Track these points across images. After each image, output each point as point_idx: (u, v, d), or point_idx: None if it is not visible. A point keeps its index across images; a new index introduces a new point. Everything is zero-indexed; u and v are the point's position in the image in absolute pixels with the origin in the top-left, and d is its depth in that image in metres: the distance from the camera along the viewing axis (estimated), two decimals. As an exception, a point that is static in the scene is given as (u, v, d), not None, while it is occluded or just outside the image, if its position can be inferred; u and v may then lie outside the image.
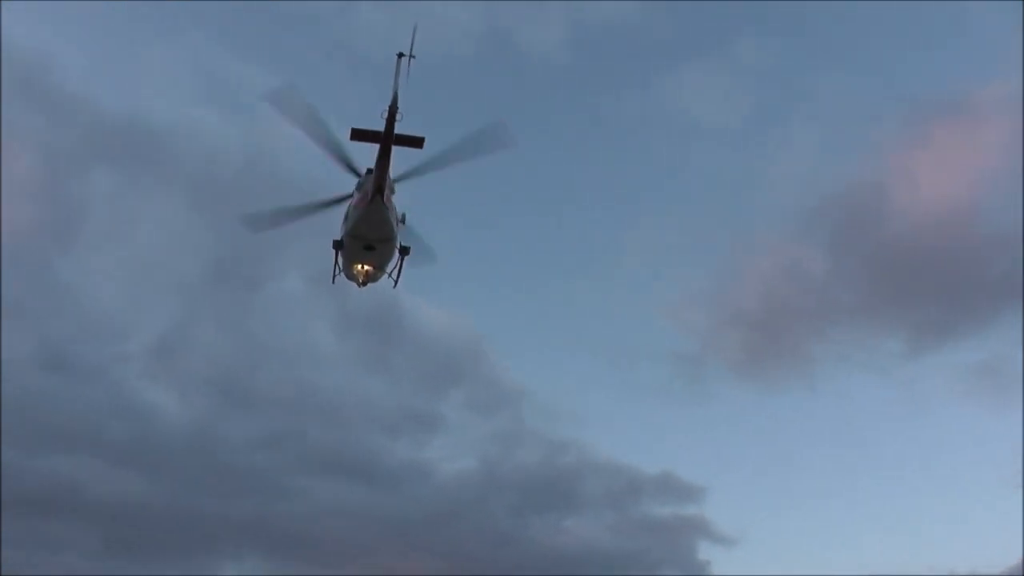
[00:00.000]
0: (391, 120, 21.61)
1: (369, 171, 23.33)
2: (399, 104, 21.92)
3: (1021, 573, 68.51)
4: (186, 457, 77.22)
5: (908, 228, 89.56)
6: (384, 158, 22.22)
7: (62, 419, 71.21)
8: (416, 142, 22.49)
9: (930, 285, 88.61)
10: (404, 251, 24.98)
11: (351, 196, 24.34)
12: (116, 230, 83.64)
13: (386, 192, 22.87)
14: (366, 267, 25.19)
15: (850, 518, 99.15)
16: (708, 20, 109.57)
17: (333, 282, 26.34)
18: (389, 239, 23.99)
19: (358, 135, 22.33)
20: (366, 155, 23.35)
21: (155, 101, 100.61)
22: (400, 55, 22.30)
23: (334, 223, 25.60)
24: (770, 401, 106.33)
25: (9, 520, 65.83)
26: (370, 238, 23.79)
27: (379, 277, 25.94)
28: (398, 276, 25.67)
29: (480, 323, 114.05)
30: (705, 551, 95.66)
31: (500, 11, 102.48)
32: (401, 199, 24.31)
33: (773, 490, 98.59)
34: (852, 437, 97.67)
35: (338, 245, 24.95)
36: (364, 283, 26.04)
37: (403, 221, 24.82)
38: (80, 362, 75.52)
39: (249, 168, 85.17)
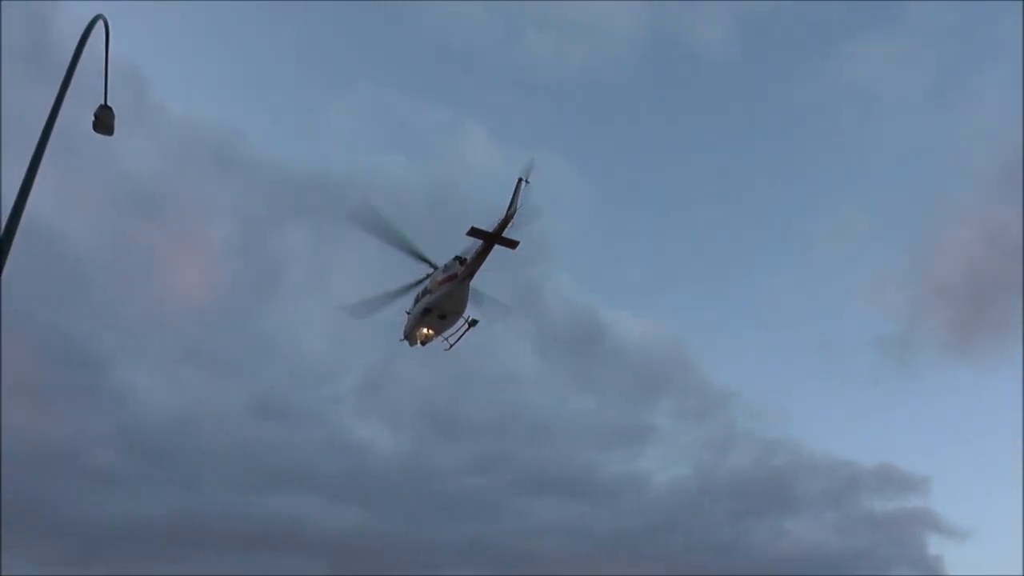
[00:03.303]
0: (503, 227, 25.82)
1: (457, 258, 27.84)
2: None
3: None
4: (402, 486, 79.17)
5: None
6: (485, 253, 26.65)
7: (282, 461, 74.53)
8: (512, 244, 26.44)
9: None
10: (473, 323, 29.09)
11: (430, 275, 29.08)
12: (313, 279, 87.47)
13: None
14: (429, 331, 29.31)
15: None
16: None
17: (402, 339, 30.66)
18: (459, 313, 28.53)
19: (474, 232, 26.09)
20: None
21: (337, 152, 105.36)
22: (520, 179, 25.82)
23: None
24: (985, 378, 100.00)
25: (242, 557, 70.19)
26: (447, 310, 28.35)
27: (432, 338, 29.84)
28: (456, 341, 29.53)
29: (681, 328, 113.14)
30: (936, 545, 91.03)
31: (665, 14, 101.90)
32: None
33: (1002, 475, 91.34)
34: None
35: (426, 317, 28.93)
36: (422, 344, 30.06)
37: (475, 323, 29.20)
38: (294, 407, 78.17)
39: (434, 205, 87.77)
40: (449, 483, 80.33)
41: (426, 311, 28.64)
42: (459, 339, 29.38)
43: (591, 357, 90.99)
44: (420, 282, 29.44)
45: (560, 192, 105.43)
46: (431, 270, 29.19)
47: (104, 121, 16.30)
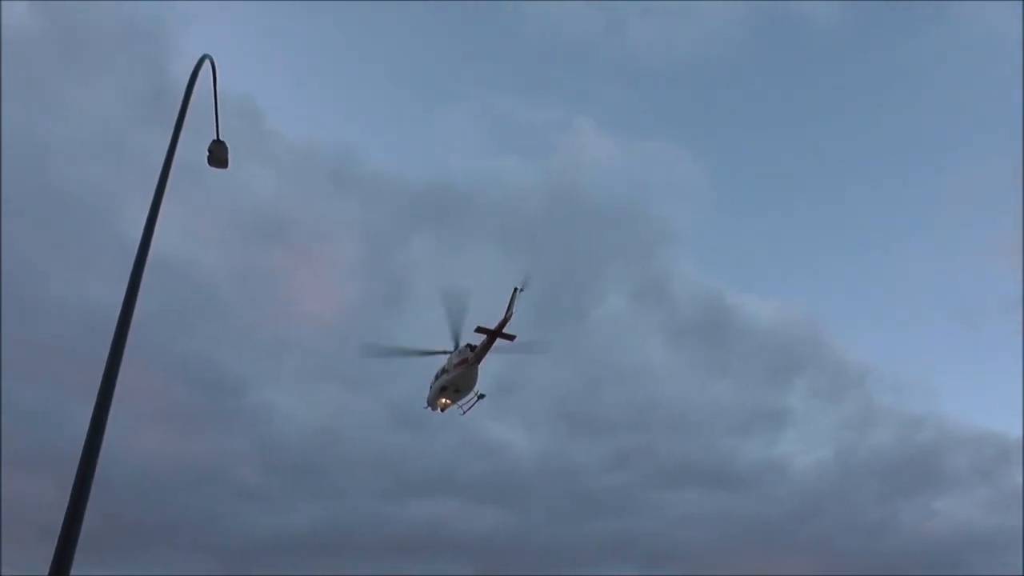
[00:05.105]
0: (502, 326, 32.54)
1: (468, 345, 34.64)
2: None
3: None
4: (541, 486, 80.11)
5: None
6: (489, 345, 33.35)
7: (421, 467, 76.57)
8: (510, 337, 33.02)
9: None
10: (481, 397, 36.13)
11: (453, 352, 35.76)
12: (438, 287, 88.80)
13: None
14: (446, 400, 36.33)
15: None
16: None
17: (426, 406, 37.88)
18: (471, 388, 35.65)
19: (480, 330, 32.96)
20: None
21: (454, 160, 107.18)
22: (515, 288, 32.19)
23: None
24: None
25: (386, 563, 72.86)
26: (461, 386, 35.62)
27: (449, 406, 36.70)
28: (468, 409, 36.65)
29: (810, 305, 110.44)
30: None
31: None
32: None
33: None
34: None
35: (443, 391, 36.04)
36: (441, 409, 37.00)
37: (483, 396, 36.13)
38: (429, 414, 79.67)
39: (553, 204, 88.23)
40: (588, 480, 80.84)
41: (444, 387, 36.15)
42: (471, 407, 36.67)
43: (722, 343, 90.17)
44: (434, 353, 36.63)
45: (676, 178, 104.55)
46: (450, 350, 36.07)
47: (218, 155, 17.07)
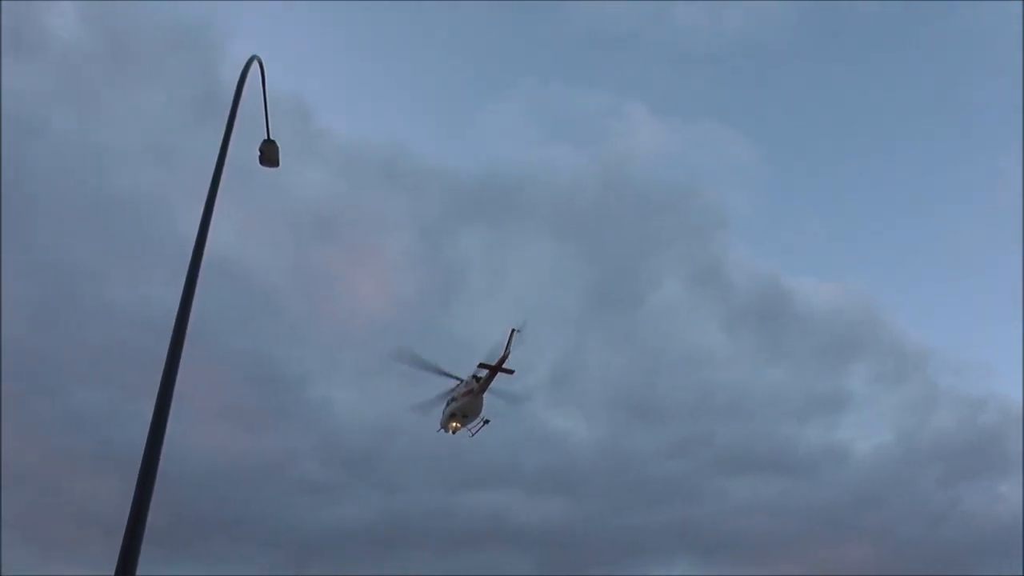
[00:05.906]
0: (501, 362, 36.77)
1: (474, 377, 38.69)
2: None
3: None
4: (601, 475, 79.81)
5: None
6: (491, 378, 37.71)
7: (480, 459, 76.37)
8: (509, 371, 37.53)
9: None
10: (486, 422, 40.11)
11: (461, 383, 39.90)
12: (493, 279, 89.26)
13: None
14: (456, 424, 40.07)
15: None
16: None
17: (438, 429, 41.41)
18: (477, 414, 39.57)
19: (482, 365, 37.45)
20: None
21: (505, 151, 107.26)
22: (513, 330, 36.07)
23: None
24: None
25: (448, 555, 73.90)
26: (468, 413, 39.62)
27: (460, 429, 40.40)
28: (476, 431, 40.47)
29: (868, 287, 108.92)
30: None
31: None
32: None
33: None
34: None
35: (453, 417, 39.94)
36: (452, 432, 40.61)
37: (488, 422, 40.02)
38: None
39: (606, 190, 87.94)
40: (648, 468, 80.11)
41: (453, 413, 40.13)
42: (478, 430, 40.61)
43: (779, 327, 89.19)
44: (451, 376, 40.21)
45: (729, 161, 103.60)
46: (458, 382, 40.00)
47: (269, 155, 17.27)
